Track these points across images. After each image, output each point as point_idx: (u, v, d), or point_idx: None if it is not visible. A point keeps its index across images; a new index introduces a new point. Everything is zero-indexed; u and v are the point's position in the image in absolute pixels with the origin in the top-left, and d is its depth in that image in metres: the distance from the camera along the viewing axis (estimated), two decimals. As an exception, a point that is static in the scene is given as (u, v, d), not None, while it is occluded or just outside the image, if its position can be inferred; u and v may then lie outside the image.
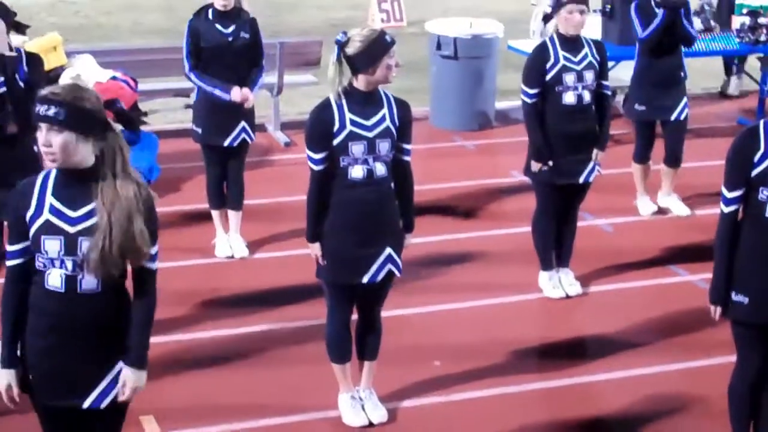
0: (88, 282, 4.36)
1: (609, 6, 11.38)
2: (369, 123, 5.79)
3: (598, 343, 7.24)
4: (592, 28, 11.16)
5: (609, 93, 7.73)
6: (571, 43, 7.50)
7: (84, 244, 4.30)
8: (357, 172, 5.80)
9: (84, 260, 4.31)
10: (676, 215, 9.34)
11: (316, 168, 5.85)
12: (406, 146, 5.97)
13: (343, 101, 5.79)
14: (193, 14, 8.20)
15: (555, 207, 7.72)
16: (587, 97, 7.53)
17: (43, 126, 4.28)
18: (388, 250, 5.96)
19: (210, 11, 8.12)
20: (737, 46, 11.81)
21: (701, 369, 6.90)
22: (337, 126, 5.75)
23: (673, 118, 9.09)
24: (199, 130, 8.25)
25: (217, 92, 8.03)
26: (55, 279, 4.35)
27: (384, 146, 5.82)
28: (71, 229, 4.31)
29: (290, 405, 6.40)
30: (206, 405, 6.41)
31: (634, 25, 9.06)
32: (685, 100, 9.15)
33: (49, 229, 4.31)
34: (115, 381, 4.50)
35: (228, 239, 8.46)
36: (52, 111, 4.25)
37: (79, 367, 4.45)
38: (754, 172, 5.13)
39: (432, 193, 9.77)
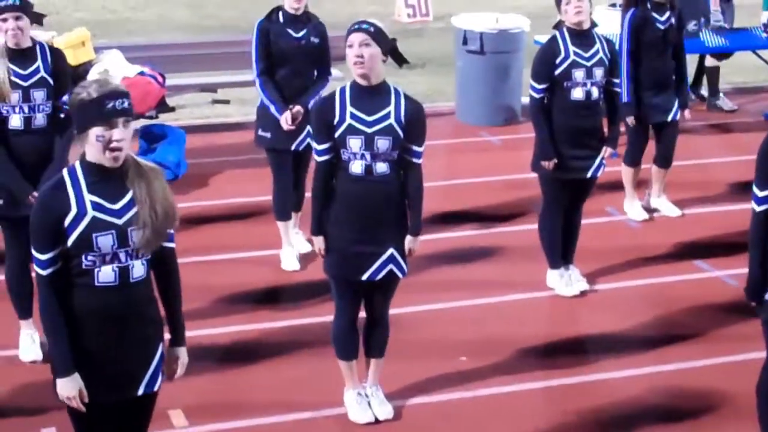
0: (137, 270, 4.39)
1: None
2: (370, 118, 5.75)
3: (625, 339, 7.22)
4: (611, 22, 11.16)
5: (619, 90, 7.69)
6: (582, 38, 7.44)
7: (134, 234, 4.32)
8: (356, 167, 5.78)
9: (138, 243, 4.32)
10: (666, 216, 9.23)
11: (319, 159, 5.86)
12: (416, 148, 5.85)
13: (348, 93, 5.79)
14: (264, 17, 7.97)
15: (562, 203, 7.69)
16: (595, 93, 7.48)
17: (120, 121, 4.25)
18: (391, 251, 5.91)
19: (281, 14, 7.94)
20: (765, 41, 11.77)
21: (728, 365, 6.86)
22: (337, 118, 5.75)
23: (669, 119, 8.98)
24: (268, 135, 8.02)
25: (272, 109, 7.87)
26: (107, 274, 4.34)
27: (383, 144, 5.75)
28: (119, 221, 4.32)
29: (309, 401, 6.40)
30: (232, 400, 6.43)
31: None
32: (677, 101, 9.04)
33: (98, 225, 4.29)
34: (159, 363, 4.58)
35: (295, 251, 8.29)
36: (126, 104, 4.27)
37: (132, 358, 4.48)
38: (785, 172, 5.11)
39: (457, 188, 9.78)
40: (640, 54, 8.83)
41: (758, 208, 5.21)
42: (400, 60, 5.85)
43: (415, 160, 5.89)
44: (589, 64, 7.44)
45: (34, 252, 4.36)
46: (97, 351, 4.42)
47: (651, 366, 6.89)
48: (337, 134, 5.76)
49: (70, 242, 4.30)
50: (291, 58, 7.90)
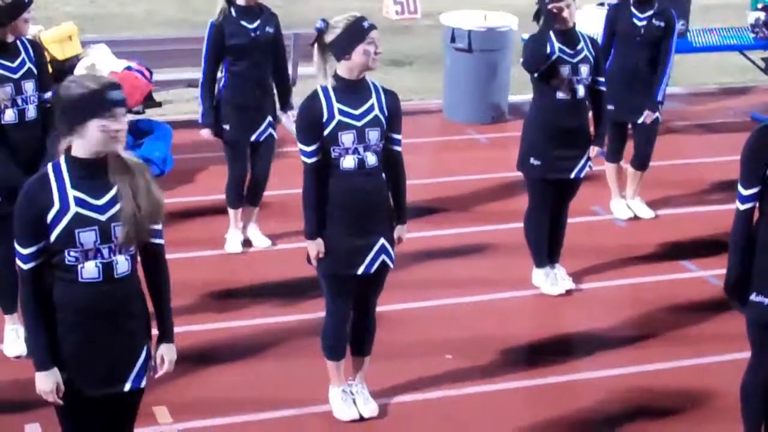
0: (122, 265, 4.39)
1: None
2: (357, 112, 5.79)
3: (610, 338, 7.23)
4: (600, 21, 11.16)
5: (604, 89, 7.66)
6: (567, 36, 7.47)
7: (117, 230, 4.33)
8: (348, 162, 5.80)
9: (119, 235, 4.32)
10: (641, 218, 9.19)
11: (309, 161, 5.85)
12: (396, 136, 5.96)
13: (331, 91, 5.81)
14: (216, 18, 8.01)
15: (548, 202, 7.69)
16: (581, 91, 7.48)
17: (120, 111, 4.30)
18: (382, 241, 5.95)
19: (233, 9, 8.00)
20: (752, 42, 11.79)
21: (713, 364, 6.89)
22: (326, 116, 5.76)
23: (640, 121, 8.90)
24: (227, 127, 8.18)
25: (200, 113, 8.23)
26: (90, 270, 4.35)
27: (374, 135, 5.82)
28: (102, 217, 4.32)
29: (294, 398, 6.41)
30: (217, 397, 6.43)
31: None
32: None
33: (81, 221, 4.30)
34: (146, 360, 4.59)
35: (240, 236, 8.46)
36: (122, 95, 4.33)
37: (117, 353, 4.49)
38: (769, 171, 5.11)
39: (444, 186, 9.78)
40: (614, 47, 8.87)
41: (742, 207, 5.22)
42: None
43: (397, 148, 5.98)
44: (574, 60, 7.45)
45: (16, 246, 4.37)
46: (83, 346, 4.43)
47: (636, 365, 6.90)
48: (326, 132, 5.77)
49: (52, 238, 4.31)
50: (248, 51, 8.03)
